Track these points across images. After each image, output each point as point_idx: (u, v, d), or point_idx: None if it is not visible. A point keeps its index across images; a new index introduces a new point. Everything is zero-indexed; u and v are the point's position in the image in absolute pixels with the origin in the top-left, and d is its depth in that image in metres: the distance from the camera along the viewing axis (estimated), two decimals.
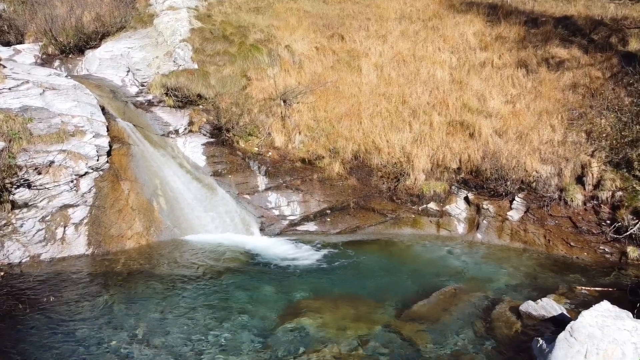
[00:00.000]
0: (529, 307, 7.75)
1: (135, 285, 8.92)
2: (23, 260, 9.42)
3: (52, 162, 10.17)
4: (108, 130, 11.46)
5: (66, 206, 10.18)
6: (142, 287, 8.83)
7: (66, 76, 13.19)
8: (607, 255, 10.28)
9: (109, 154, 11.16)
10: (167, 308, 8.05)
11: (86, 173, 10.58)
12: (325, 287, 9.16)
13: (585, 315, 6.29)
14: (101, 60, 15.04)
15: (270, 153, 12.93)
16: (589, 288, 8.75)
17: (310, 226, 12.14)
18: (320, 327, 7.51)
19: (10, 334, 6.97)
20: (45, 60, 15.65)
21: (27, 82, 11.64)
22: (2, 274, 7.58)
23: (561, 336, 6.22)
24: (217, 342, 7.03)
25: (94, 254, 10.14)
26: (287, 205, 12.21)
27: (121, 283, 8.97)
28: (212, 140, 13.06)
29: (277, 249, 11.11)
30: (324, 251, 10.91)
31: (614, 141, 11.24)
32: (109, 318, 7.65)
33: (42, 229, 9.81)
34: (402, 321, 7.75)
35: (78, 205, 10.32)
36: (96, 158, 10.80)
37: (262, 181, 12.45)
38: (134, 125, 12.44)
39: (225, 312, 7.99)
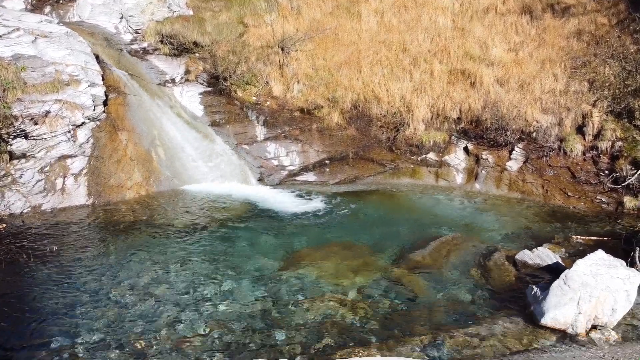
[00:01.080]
0: (525, 255, 7.90)
1: (137, 235, 9.02)
2: (24, 211, 9.48)
3: (48, 112, 10.04)
4: (103, 80, 11.25)
5: (64, 157, 10.14)
6: (143, 237, 8.94)
7: (58, 23, 12.80)
8: (604, 205, 10.38)
9: (105, 103, 11.00)
10: (168, 257, 8.18)
11: (83, 123, 10.48)
12: (324, 236, 9.28)
13: (580, 264, 6.41)
14: (93, 6, 14.55)
15: (268, 102, 12.78)
16: (584, 237, 8.89)
17: (310, 176, 12.17)
18: (320, 275, 7.66)
19: (14, 284, 7.10)
20: (36, 6, 15.13)
21: (18, 29, 11.31)
22: (4, 225, 7.62)
23: (555, 284, 6.36)
24: (217, 291, 7.18)
25: (94, 204, 10.20)
26: (286, 155, 12.19)
27: (122, 233, 9.07)
28: (209, 89, 12.86)
29: (277, 198, 11.18)
30: (323, 201, 10.99)
31: (617, 90, 11.11)
32: (110, 267, 7.78)
33: (42, 179, 9.81)
34: (399, 269, 7.90)
35: (76, 156, 10.28)
36: (92, 108, 10.66)
37: (260, 131, 12.36)
38: (130, 74, 12.21)
39: (225, 261, 8.13)
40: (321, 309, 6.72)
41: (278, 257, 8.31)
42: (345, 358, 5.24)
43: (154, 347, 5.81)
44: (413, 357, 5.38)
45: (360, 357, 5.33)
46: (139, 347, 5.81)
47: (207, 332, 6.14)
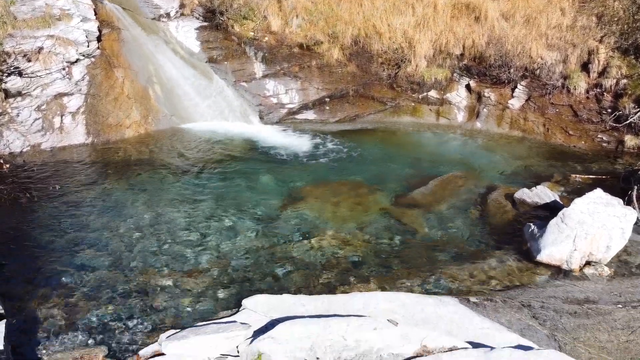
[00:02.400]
0: (524, 194, 7.97)
1: (138, 173, 9.05)
2: (24, 150, 9.45)
3: (40, 48, 9.78)
4: (96, 14, 10.88)
5: (61, 94, 9.99)
6: (144, 176, 8.97)
7: None
8: (604, 144, 10.38)
9: (99, 39, 10.70)
10: (169, 196, 8.24)
11: (77, 60, 10.23)
12: (324, 175, 9.33)
13: (578, 203, 6.49)
14: None
15: (266, 38, 12.43)
16: (583, 176, 8.95)
17: (309, 114, 12.06)
18: (320, 213, 7.77)
19: (20, 223, 7.20)
20: None
21: None
22: (7, 166, 7.61)
23: (552, 222, 6.47)
24: (220, 228, 7.30)
25: (94, 143, 10.16)
26: (286, 93, 12.02)
27: (123, 172, 9.10)
28: (205, 24, 12.46)
29: (277, 137, 11.14)
30: (324, 140, 10.96)
31: (625, 25, 10.81)
32: (113, 206, 7.86)
33: (39, 118, 9.71)
34: (399, 207, 8.00)
35: (73, 94, 10.12)
36: (86, 44, 10.38)
37: (259, 68, 12.11)
38: (123, 8, 11.78)
39: (226, 199, 8.20)
40: (322, 246, 6.86)
41: (278, 196, 8.39)
42: (346, 293, 5.41)
43: (158, 282, 5.97)
44: (412, 293, 5.55)
45: (360, 292, 5.50)
46: (143, 281, 5.98)
47: (209, 268, 6.30)
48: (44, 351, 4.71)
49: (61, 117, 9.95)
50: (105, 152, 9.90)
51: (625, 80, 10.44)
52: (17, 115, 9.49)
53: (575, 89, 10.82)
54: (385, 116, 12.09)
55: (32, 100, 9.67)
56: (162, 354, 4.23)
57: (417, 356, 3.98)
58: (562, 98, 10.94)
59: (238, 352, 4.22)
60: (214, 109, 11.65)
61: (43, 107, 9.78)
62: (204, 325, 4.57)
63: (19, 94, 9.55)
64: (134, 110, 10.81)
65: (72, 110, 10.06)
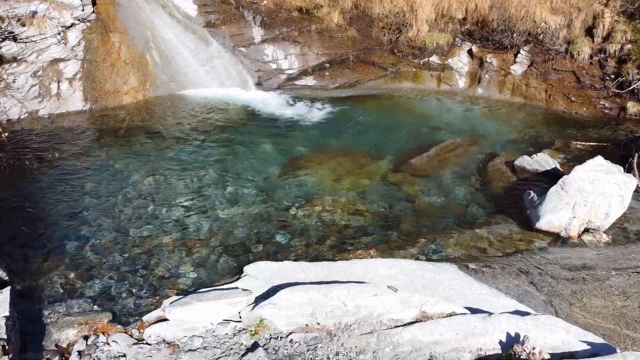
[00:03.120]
0: (524, 161, 7.96)
1: (136, 140, 9.01)
2: (22, 117, 9.38)
3: (34, 12, 9.57)
4: None
5: (57, 60, 9.83)
6: (143, 143, 8.93)
7: None
8: (606, 111, 10.30)
9: (94, 3, 10.46)
10: (169, 163, 8.23)
11: (72, 24, 10.03)
12: (324, 142, 9.29)
13: (578, 170, 6.49)
14: None
15: (265, 1, 12.15)
16: (583, 143, 8.92)
17: (309, 80, 11.91)
18: (320, 181, 7.78)
19: (22, 189, 7.21)
20: None
21: None
22: (6, 134, 7.56)
23: (552, 189, 6.49)
24: (219, 196, 7.31)
25: (91, 110, 10.07)
26: (285, 58, 11.84)
27: (122, 138, 9.06)
28: None
29: (276, 103, 11.04)
30: (323, 106, 10.86)
31: None
32: (114, 173, 7.86)
33: (36, 84, 9.60)
34: (400, 174, 8.00)
35: (69, 60, 9.97)
36: (81, 8, 10.14)
37: (257, 32, 11.88)
38: None
39: (225, 167, 8.18)
40: (322, 213, 6.89)
41: (278, 163, 8.38)
42: (347, 260, 5.46)
43: (160, 249, 6.03)
44: (412, 259, 5.61)
45: (360, 259, 5.55)
46: (145, 248, 6.04)
47: (210, 235, 6.35)
48: (49, 317, 4.79)
49: (58, 84, 9.83)
50: (104, 119, 9.83)
51: (629, 46, 10.27)
52: (14, 81, 9.38)
53: (578, 55, 10.66)
54: (386, 82, 11.94)
55: (27, 66, 9.53)
56: (166, 320, 4.31)
57: (416, 321, 4.05)
58: (565, 64, 10.79)
59: (240, 317, 4.29)
60: (212, 75, 11.49)
61: (39, 73, 9.65)
62: (206, 291, 4.64)
63: (14, 59, 9.41)
64: (132, 77, 10.67)
65: (68, 76, 9.94)
